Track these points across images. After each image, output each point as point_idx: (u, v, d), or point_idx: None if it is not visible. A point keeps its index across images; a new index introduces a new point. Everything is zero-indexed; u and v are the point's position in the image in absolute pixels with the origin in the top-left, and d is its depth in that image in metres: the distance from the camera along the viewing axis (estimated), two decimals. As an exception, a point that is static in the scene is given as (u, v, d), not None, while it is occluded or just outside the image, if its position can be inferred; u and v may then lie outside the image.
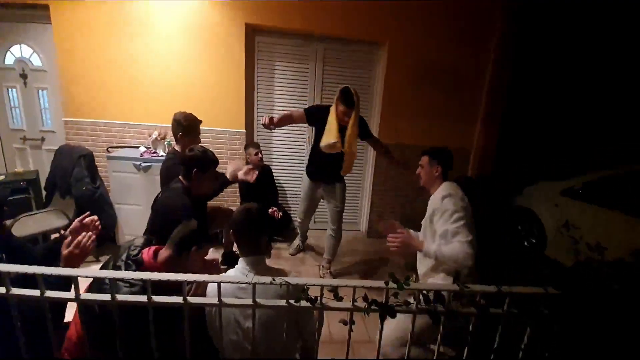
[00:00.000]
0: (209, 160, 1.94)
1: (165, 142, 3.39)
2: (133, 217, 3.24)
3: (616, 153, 3.73)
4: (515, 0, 3.58)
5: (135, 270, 1.30)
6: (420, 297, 1.20)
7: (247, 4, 3.37)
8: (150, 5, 3.35)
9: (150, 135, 3.45)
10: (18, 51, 3.55)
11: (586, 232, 2.67)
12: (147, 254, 1.39)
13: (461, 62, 3.71)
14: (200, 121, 2.43)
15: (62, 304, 1.14)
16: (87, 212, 1.38)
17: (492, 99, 3.74)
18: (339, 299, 1.16)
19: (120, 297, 1.08)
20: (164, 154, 3.28)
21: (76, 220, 1.37)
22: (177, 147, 2.39)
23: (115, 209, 3.24)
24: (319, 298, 1.13)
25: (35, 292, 1.04)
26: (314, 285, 1.13)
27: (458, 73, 3.74)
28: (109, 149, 3.57)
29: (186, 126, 2.34)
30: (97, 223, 1.38)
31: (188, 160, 1.90)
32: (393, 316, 1.16)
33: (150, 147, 3.43)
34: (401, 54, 3.62)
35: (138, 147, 3.48)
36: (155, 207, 1.91)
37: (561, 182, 3.50)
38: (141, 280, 1.11)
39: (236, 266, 1.44)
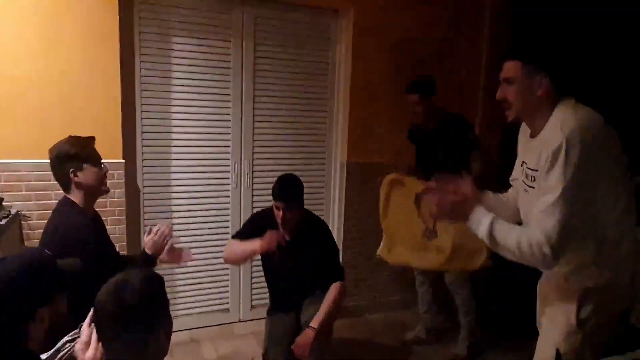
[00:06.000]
0: (74, 150, 1.64)
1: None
2: None
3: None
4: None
5: None
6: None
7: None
8: None
9: None
10: None
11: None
12: None
13: (451, 39, 2.95)
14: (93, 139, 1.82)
15: None
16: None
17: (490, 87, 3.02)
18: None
19: None
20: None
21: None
22: (72, 197, 1.78)
23: None
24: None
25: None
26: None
27: (448, 54, 2.93)
28: None
29: (81, 155, 1.73)
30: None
31: (56, 169, 1.67)
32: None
33: None
34: (373, 27, 2.73)
35: None
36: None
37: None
38: None
39: None
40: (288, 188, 1.80)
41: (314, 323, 1.73)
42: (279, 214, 1.77)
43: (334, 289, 1.80)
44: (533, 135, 1.26)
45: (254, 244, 1.78)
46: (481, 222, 1.16)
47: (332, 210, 2.89)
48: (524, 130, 1.34)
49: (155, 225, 1.75)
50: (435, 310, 2.51)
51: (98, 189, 1.69)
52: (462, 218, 1.21)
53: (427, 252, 2.24)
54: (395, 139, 2.70)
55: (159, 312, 0.95)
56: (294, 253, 1.85)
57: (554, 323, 1.28)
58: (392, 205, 2.42)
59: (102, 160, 2.16)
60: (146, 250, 1.70)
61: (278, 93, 2.64)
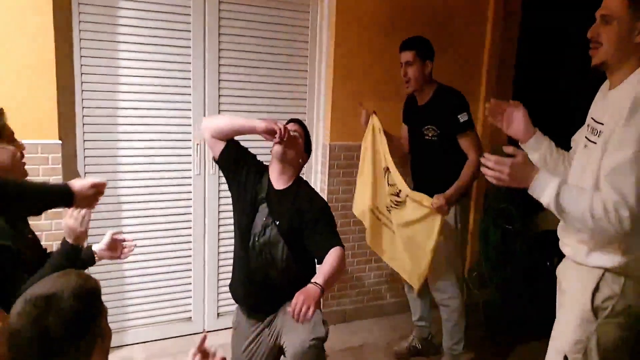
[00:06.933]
0: None
1: None
2: None
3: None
4: None
5: None
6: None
7: None
8: None
9: None
10: None
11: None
12: None
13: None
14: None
15: None
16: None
17: (496, 62, 2.85)
18: None
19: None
20: None
21: None
22: None
23: None
24: None
25: None
26: None
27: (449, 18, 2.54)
28: None
29: None
30: None
31: None
32: None
33: None
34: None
35: None
36: None
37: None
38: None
39: None
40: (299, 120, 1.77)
41: (319, 279, 1.38)
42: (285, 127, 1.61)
43: (335, 251, 1.50)
44: (611, 87, 1.21)
45: (255, 120, 1.65)
46: (547, 186, 1.11)
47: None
48: (604, 87, 1.31)
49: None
50: (430, 319, 2.17)
51: (16, 171, 1.40)
52: (523, 183, 1.15)
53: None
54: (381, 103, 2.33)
55: (92, 328, 0.84)
56: (283, 205, 1.55)
57: (569, 310, 1.24)
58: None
59: (34, 141, 1.92)
60: (66, 239, 1.36)
61: (248, 62, 2.30)
